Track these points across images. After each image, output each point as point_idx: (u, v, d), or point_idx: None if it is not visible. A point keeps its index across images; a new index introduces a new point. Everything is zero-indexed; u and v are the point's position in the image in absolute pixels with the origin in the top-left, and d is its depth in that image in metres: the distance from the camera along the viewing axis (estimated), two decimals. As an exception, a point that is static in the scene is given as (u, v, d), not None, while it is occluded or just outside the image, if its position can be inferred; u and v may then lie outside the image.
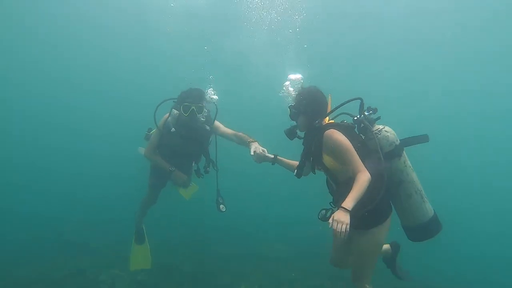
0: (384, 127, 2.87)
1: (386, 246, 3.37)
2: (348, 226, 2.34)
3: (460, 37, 11.33)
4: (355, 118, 2.89)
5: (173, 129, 4.10)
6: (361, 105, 2.88)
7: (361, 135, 2.90)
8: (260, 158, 3.44)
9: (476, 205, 10.70)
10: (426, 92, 13.47)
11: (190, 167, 4.49)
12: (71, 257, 6.45)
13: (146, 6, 10.64)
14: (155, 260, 6.01)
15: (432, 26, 11.03)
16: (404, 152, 2.87)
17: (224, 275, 6.11)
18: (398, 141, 2.85)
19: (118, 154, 12.16)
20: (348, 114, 2.96)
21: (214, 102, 4.28)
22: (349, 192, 2.47)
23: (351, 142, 2.66)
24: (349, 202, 2.41)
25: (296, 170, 3.04)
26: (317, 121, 2.83)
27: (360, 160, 2.60)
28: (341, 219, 2.35)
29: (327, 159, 2.75)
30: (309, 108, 2.85)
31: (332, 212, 2.53)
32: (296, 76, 3.11)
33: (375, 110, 2.90)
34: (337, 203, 2.81)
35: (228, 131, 4.24)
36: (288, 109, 2.98)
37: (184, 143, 4.20)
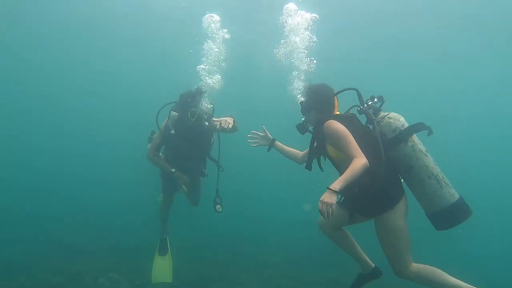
0: (388, 114, 2.89)
1: (370, 264, 3.21)
2: (333, 207, 2.40)
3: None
4: (359, 109, 2.95)
5: (172, 131, 4.11)
6: (359, 95, 2.95)
7: (368, 125, 2.94)
8: (264, 140, 3.55)
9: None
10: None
11: (198, 169, 4.49)
12: (69, 260, 6.44)
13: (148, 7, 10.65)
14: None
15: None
16: (413, 137, 2.83)
17: (221, 282, 6.11)
18: (405, 126, 2.83)
19: (117, 159, 12.22)
20: (355, 106, 3.01)
21: (212, 104, 4.21)
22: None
23: (351, 131, 2.71)
24: (337, 183, 2.45)
25: (305, 164, 3.07)
26: (326, 116, 2.90)
27: (357, 147, 2.63)
28: (326, 199, 2.41)
29: (330, 150, 2.82)
30: (318, 103, 2.95)
31: (342, 198, 2.66)
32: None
33: (380, 98, 2.94)
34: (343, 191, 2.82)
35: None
36: (299, 105, 3.07)
37: (186, 145, 4.20)
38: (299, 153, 3.45)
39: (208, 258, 7.14)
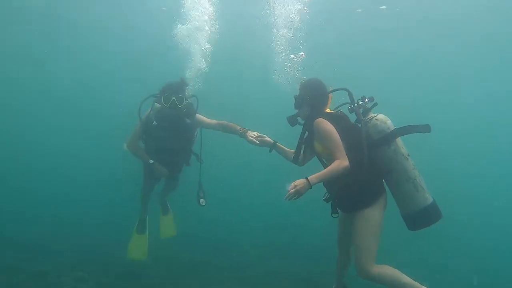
0: (376, 115, 2.99)
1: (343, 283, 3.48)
2: (299, 194, 2.61)
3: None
4: (349, 107, 3.07)
5: (154, 122, 4.10)
6: (350, 95, 3.07)
7: (357, 123, 3.07)
8: (264, 142, 3.56)
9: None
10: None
11: (179, 163, 4.53)
12: (30, 259, 6.11)
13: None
14: (124, 265, 5.88)
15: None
16: (397, 140, 2.94)
17: (195, 281, 5.98)
18: (391, 129, 2.93)
19: (86, 157, 11.80)
20: (346, 103, 3.14)
21: (194, 95, 4.31)
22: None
23: (338, 130, 2.83)
24: (314, 177, 2.67)
25: (293, 155, 3.23)
26: (318, 111, 3.02)
27: (342, 149, 2.77)
28: (299, 186, 2.61)
29: (317, 146, 2.98)
30: (313, 99, 3.04)
31: (327, 195, 2.93)
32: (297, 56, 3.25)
33: (371, 99, 3.05)
34: (327, 188, 3.00)
35: (213, 122, 4.27)
36: (293, 99, 3.15)
37: (167, 137, 4.20)
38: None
39: (181, 258, 6.98)
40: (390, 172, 2.91)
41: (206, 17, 5.10)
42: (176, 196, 5.46)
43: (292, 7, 3.85)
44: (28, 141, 12.28)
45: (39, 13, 10.56)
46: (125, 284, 5.52)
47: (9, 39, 11.21)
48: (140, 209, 5.01)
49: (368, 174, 2.83)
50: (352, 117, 3.12)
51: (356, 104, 3.05)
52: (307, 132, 3.14)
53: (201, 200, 4.35)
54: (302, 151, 3.22)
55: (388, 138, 2.89)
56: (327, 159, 2.97)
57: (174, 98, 3.97)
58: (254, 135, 3.64)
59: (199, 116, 4.30)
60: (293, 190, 2.58)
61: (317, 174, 2.68)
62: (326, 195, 3.01)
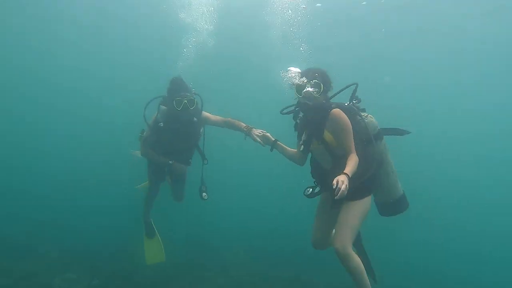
0: (367, 115, 3.20)
1: None
2: (347, 187, 2.61)
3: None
4: (346, 104, 3.18)
5: (161, 123, 4.11)
6: (354, 91, 3.21)
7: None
8: (266, 140, 3.56)
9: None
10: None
11: (185, 160, 4.53)
12: (19, 261, 6.06)
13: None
14: (114, 267, 5.99)
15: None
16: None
17: (184, 281, 6.05)
18: (378, 127, 3.21)
19: (76, 158, 11.68)
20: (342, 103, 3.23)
21: (197, 93, 4.26)
22: (344, 164, 2.83)
23: (352, 124, 2.98)
24: (349, 171, 2.74)
25: (301, 152, 3.23)
26: (329, 100, 3.12)
27: (353, 143, 2.93)
28: (342, 179, 2.63)
29: (327, 135, 3.02)
30: (329, 87, 3.10)
31: (317, 188, 2.97)
32: (295, 70, 3.21)
33: (359, 100, 3.24)
34: (332, 174, 2.93)
35: (218, 119, 4.27)
36: (309, 84, 3.02)
37: (175, 137, 4.21)
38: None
39: (176, 259, 7.05)
40: (381, 164, 3.17)
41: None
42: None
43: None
44: (19, 142, 12.12)
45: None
46: (116, 285, 5.56)
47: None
48: (143, 215, 5.00)
49: (376, 165, 3.10)
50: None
51: (352, 102, 3.20)
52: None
53: (204, 194, 4.37)
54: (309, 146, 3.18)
55: (381, 133, 3.19)
56: (334, 149, 3.01)
57: (186, 101, 3.97)
58: (259, 133, 3.62)
59: (205, 113, 4.30)
60: (341, 183, 2.59)
61: (348, 169, 2.76)
62: (316, 187, 3.02)
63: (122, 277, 5.84)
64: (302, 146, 3.19)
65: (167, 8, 6.55)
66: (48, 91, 13.05)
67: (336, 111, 2.96)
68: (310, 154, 3.36)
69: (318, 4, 9.29)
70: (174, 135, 4.20)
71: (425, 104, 14.35)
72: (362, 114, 3.19)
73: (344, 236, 2.92)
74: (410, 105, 13.67)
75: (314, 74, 3.03)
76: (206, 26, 5.21)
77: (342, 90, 3.19)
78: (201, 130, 4.44)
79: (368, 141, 3.05)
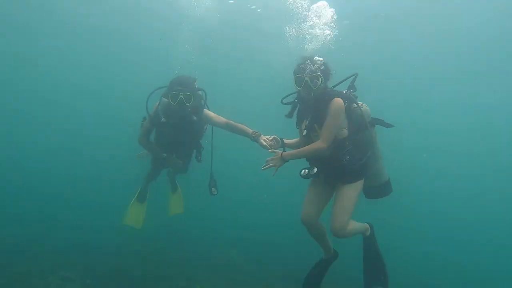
0: (362, 103, 3.36)
1: (331, 248, 3.63)
2: (276, 167, 3.07)
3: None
4: (344, 92, 3.33)
5: (163, 119, 4.04)
6: (353, 80, 3.37)
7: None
8: (277, 143, 3.60)
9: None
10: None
11: (188, 155, 4.57)
12: (11, 261, 5.97)
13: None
14: (109, 267, 6.00)
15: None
16: None
17: (177, 279, 6.09)
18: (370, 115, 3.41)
19: (65, 153, 11.56)
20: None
21: (202, 89, 4.20)
22: (341, 149, 3.12)
23: (349, 111, 3.19)
24: (289, 154, 3.15)
25: (305, 131, 3.34)
26: (330, 86, 3.29)
27: (332, 135, 3.09)
28: (275, 160, 3.10)
29: None
30: (326, 75, 3.23)
31: (314, 169, 3.20)
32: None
33: (355, 89, 3.41)
34: (328, 158, 3.21)
35: (221, 120, 4.14)
36: (317, 74, 3.14)
37: (176, 132, 4.18)
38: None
39: (170, 255, 7.10)
40: (373, 149, 3.37)
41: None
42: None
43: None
44: (11, 140, 11.96)
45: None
46: (112, 283, 5.60)
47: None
48: (143, 183, 5.07)
49: (371, 151, 3.31)
50: None
51: (349, 90, 3.37)
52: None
53: (213, 189, 4.40)
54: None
55: (373, 121, 3.40)
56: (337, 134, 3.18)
57: (182, 96, 3.86)
58: (268, 139, 3.60)
59: (207, 112, 4.19)
60: (271, 162, 3.08)
61: (294, 151, 3.15)
62: (313, 169, 3.22)
63: (116, 275, 5.86)
64: (305, 131, 3.33)
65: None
66: (46, 87, 12.89)
67: (338, 100, 3.14)
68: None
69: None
70: (174, 129, 4.16)
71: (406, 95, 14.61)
72: (358, 102, 3.37)
73: (341, 218, 3.19)
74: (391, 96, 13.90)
75: (314, 65, 3.15)
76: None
77: (343, 80, 3.38)
78: (204, 128, 4.42)
79: (364, 127, 3.26)
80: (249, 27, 11.28)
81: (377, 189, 3.56)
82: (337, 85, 3.37)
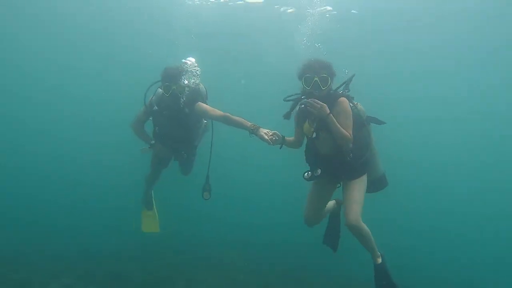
0: (357, 103, 3.46)
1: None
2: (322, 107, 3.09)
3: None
4: (340, 92, 3.39)
5: (155, 107, 4.07)
6: (349, 80, 3.42)
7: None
8: (277, 139, 3.53)
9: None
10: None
11: (185, 149, 4.44)
12: (11, 268, 5.97)
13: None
14: (109, 271, 6.02)
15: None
16: None
17: (178, 281, 6.11)
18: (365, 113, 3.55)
19: (63, 158, 11.57)
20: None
21: (199, 83, 4.16)
22: (344, 151, 3.24)
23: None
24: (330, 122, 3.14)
25: (314, 132, 3.34)
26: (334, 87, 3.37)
27: (351, 130, 3.20)
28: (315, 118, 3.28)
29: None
30: (333, 77, 3.32)
31: (318, 171, 3.33)
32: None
33: (349, 89, 3.46)
34: (331, 159, 3.35)
35: (216, 113, 4.01)
36: (324, 74, 3.22)
37: (169, 123, 4.15)
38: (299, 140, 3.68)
39: (170, 258, 7.12)
40: (370, 146, 3.48)
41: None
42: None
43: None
44: (8, 145, 11.98)
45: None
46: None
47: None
48: (144, 192, 5.00)
49: (371, 147, 3.46)
50: None
51: (346, 91, 3.42)
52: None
53: (205, 193, 4.30)
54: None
55: (369, 119, 3.53)
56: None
57: (175, 87, 3.86)
58: (268, 132, 3.52)
59: (201, 105, 4.08)
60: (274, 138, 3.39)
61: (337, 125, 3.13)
62: (317, 171, 3.36)
63: (117, 280, 5.87)
64: (314, 133, 3.33)
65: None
66: (44, 91, 12.91)
67: (344, 100, 3.26)
68: (304, 141, 3.59)
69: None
70: (167, 120, 4.13)
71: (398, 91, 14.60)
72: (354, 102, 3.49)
73: (355, 211, 3.25)
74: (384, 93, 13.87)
75: (321, 68, 3.25)
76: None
77: (346, 81, 3.42)
78: (198, 123, 4.36)
79: (362, 125, 3.39)
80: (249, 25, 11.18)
81: (375, 183, 3.68)
82: (339, 87, 3.43)
